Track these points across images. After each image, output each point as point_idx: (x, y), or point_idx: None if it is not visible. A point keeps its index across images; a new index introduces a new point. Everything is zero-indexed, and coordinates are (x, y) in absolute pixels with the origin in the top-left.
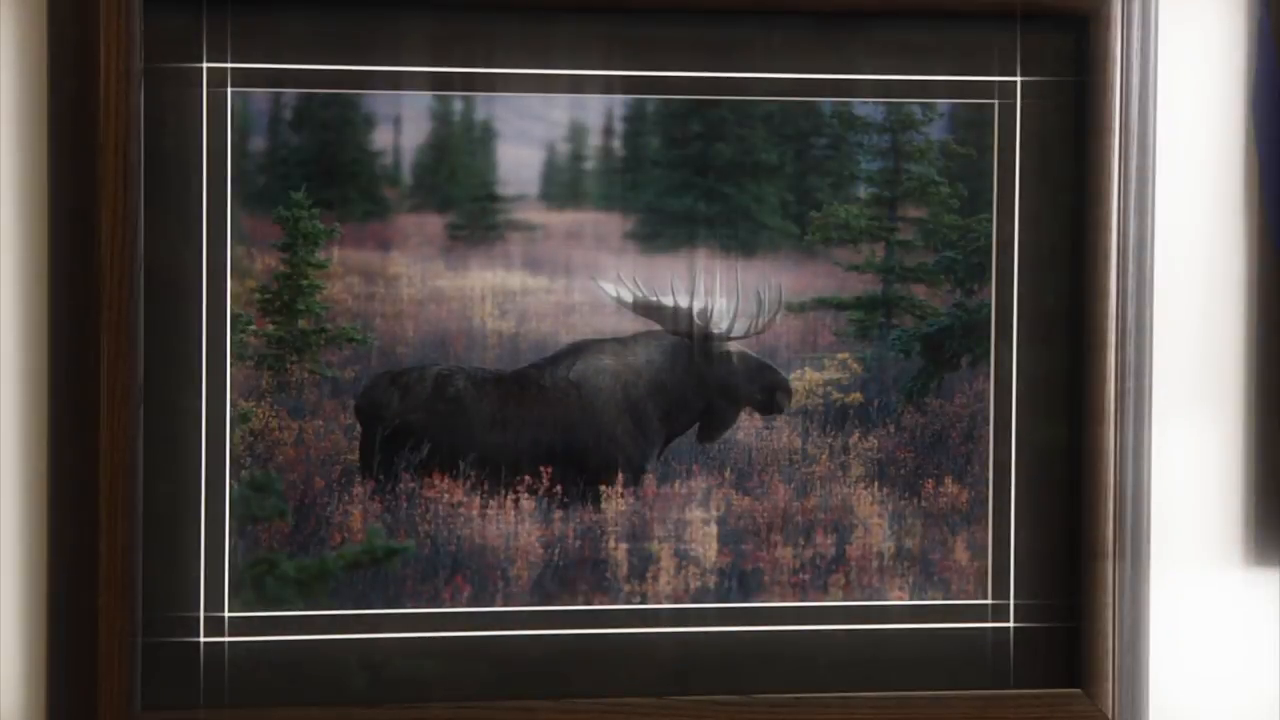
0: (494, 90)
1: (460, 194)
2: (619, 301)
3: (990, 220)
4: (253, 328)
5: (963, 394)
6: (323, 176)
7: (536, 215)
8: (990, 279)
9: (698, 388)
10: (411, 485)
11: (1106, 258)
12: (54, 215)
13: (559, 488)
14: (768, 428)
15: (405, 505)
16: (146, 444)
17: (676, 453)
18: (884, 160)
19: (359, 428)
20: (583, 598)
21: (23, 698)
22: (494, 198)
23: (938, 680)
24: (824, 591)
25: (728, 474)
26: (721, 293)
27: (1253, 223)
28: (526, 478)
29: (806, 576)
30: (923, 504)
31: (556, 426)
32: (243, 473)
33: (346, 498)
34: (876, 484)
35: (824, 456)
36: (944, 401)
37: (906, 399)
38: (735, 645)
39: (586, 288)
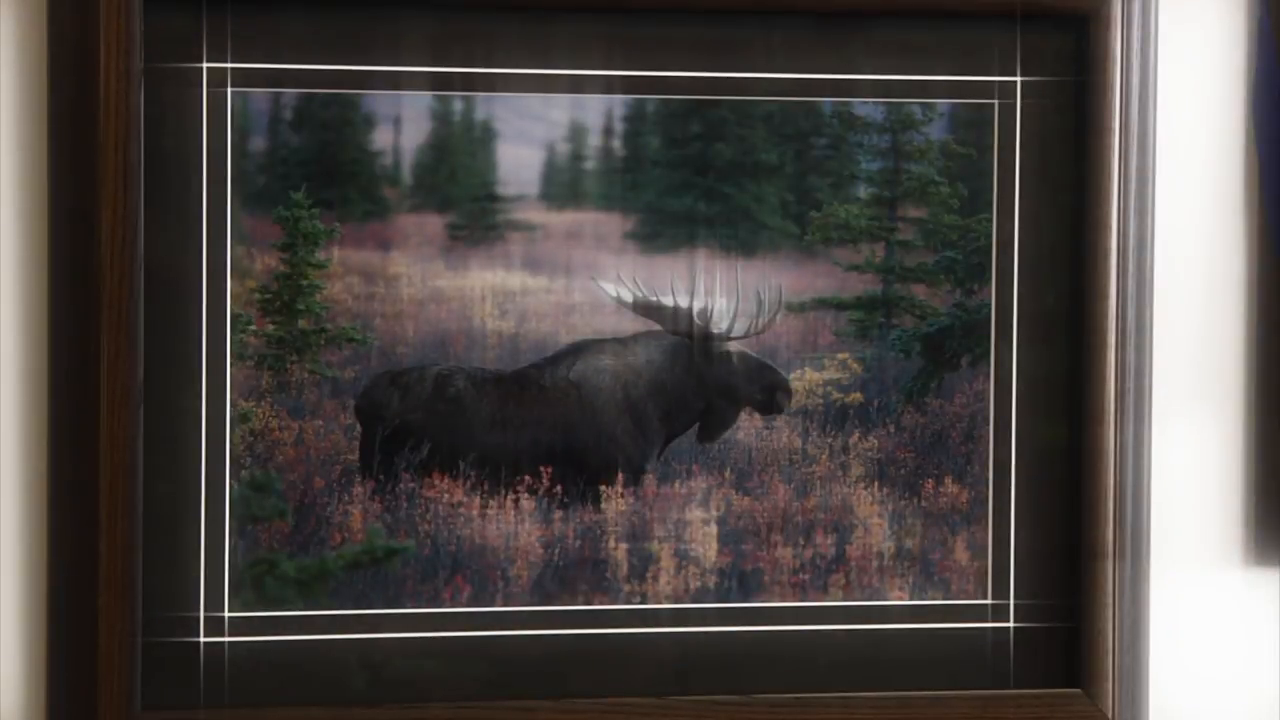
0: (494, 90)
1: (460, 194)
2: (619, 301)
3: (990, 220)
4: (253, 328)
5: (963, 394)
6: (323, 176)
7: (536, 215)
8: (990, 279)
9: (698, 388)
10: (411, 485)
11: (1106, 258)
12: (54, 215)
13: (559, 488)
14: (768, 428)
15: (405, 505)
16: (146, 444)
17: (676, 453)
18: (884, 160)
19: (359, 428)
20: (583, 598)
21: (23, 698)
22: (494, 198)
23: (938, 680)
24: (824, 591)
25: (728, 474)
26: (721, 293)
27: (1253, 223)
28: (526, 478)
29: (806, 576)
30: (923, 504)
31: (556, 426)
32: (243, 473)
33: (346, 498)
34: (876, 484)
35: (824, 456)
36: (944, 401)
37: (906, 399)
38: (735, 645)
39: (586, 288)
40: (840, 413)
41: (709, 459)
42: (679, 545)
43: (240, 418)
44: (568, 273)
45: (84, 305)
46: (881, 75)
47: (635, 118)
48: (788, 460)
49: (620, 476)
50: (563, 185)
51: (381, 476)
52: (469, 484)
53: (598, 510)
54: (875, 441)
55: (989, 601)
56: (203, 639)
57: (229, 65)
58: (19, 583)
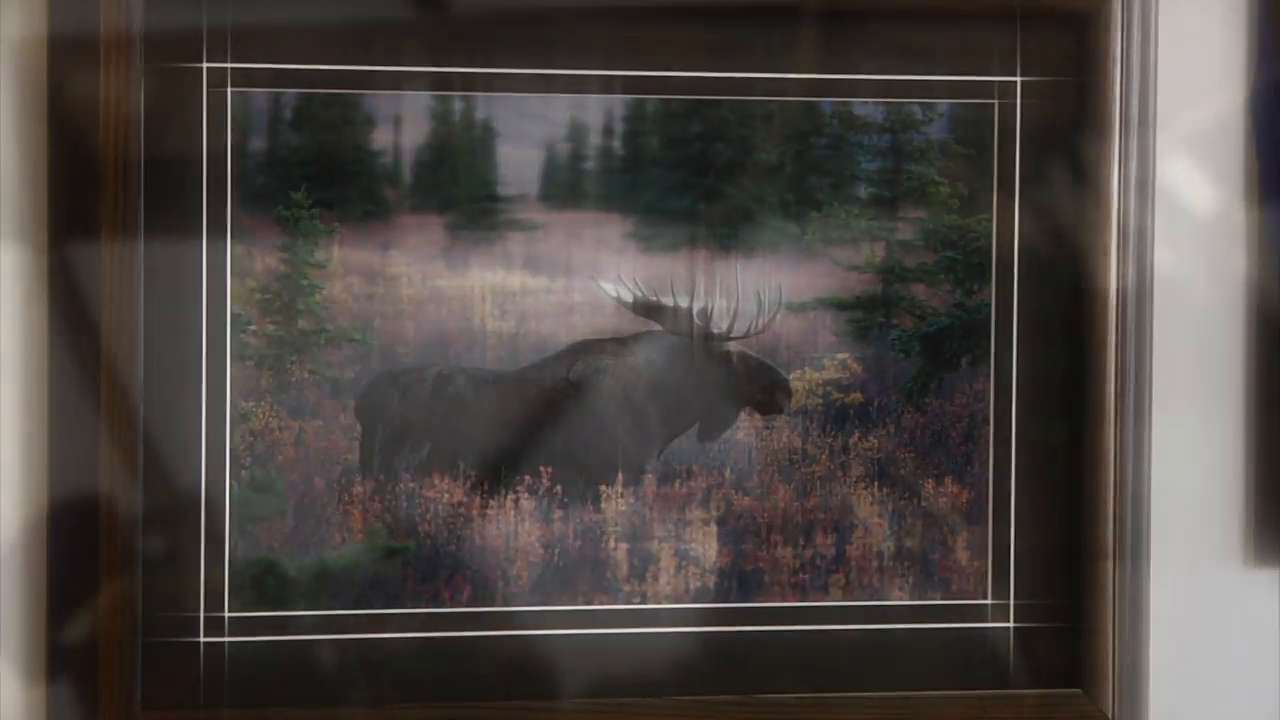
0: (494, 90)
1: (460, 194)
2: (619, 301)
3: (990, 220)
4: (253, 328)
5: (963, 394)
6: (323, 176)
7: (536, 215)
8: (990, 279)
9: (698, 388)
10: (411, 485)
11: (1106, 258)
12: (54, 215)
13: (559, 488)
14: (768, 428)
15: (405, 505)
16: (146, 444)
17: (676, 453)
18: (884, 160)
19: (359, 428)
20: (583, 598)
21: (23, 698)
22: (494, 198)
23: (938, 680)
24: (824, 591)
25: (728, 474)
26: (721, 293)
27: (1253, 223)
28: (526, 478)
29: (806, 576)
30: (923, 504)
31: (556, 426)
32: (243, 473)
33: (346, 498)
34: (876, 484)
35: (824, 456)
36: (944, 401)
37: (906, 399)
38: (735, 645)
39: (586, 288)
40: (840, 413)
41: (709, 459)
42: (679, 545)
43: (240, 418)
44: (568, 273)
45: (84, 305)
46: (881, 75)
47: (635, 118)
48: (788, 460)
49: (620, 476)
50: (563, 185)
51: (381, 476)
52: (469, 484)
53: (598, 510)
54: (875, 441)
55: (989, 601)
56: (203, 639)
57: (229, 65)
58: (19, 583)
